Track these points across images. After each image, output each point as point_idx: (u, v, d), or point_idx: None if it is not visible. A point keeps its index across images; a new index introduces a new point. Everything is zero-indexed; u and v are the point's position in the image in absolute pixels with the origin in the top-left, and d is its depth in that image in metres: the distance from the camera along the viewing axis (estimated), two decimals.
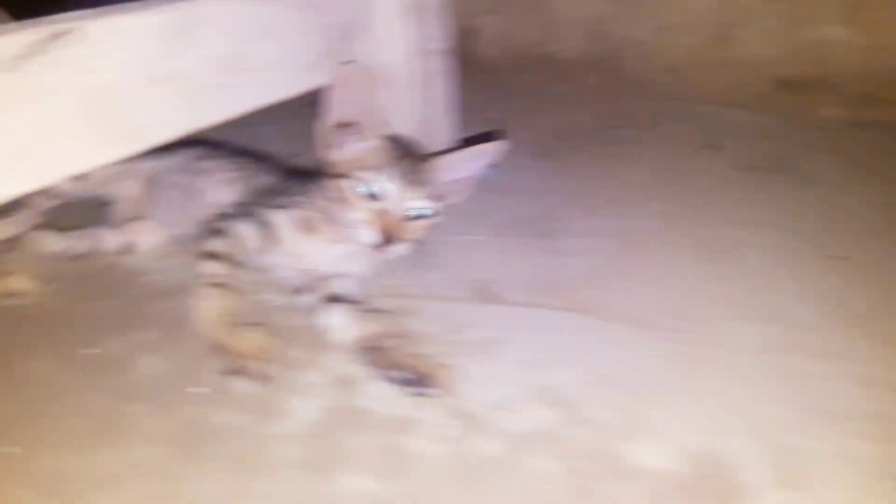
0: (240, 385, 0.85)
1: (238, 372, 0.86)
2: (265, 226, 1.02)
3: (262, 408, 0.84)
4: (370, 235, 0.97)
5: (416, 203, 0.99)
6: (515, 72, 2.04)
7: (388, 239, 0.97)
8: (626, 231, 1.24)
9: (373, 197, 0.98)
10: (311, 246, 1.03)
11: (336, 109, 0.98)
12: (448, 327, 0.98)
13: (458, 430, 0.81)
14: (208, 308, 0.91)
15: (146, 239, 1.15)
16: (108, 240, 1.13)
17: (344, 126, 0.99)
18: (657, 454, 0.78)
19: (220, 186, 1.12)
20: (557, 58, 2.03)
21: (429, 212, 1.01)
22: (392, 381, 0.87)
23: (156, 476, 0.75)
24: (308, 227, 1.02)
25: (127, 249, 1.13)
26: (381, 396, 0.86)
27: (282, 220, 1.02)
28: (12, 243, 1.09)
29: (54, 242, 1.10)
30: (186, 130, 0.81)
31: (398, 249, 0.98)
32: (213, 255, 0.96)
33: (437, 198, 1.02)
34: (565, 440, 0.80)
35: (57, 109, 0.67)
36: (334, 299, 1.00)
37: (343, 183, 0.99)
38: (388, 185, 0.97)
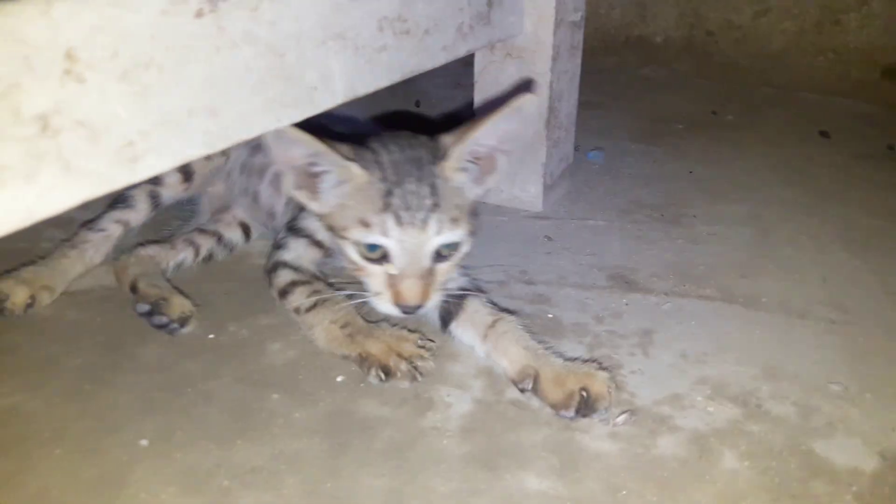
0: (398, 385, 0.79)
1: (391, 374, 0.79)
2: (310, 235, 0.91)
3: (410, 398, 0.78)
4: (387, 306, 0.79)
5: (436, 240, 0.77)
6: (606, 54, 1.96)
7: (414, 303, 0.77)
8: (758, 218, 1.17)
9: (379, 258, 0.78)
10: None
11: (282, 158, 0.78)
12: (593, 317, 0.91)
13: (631, 426, 0.75)
14: (322, 332, 0.83)
15: (236, 232, 1.07)
16: (205, 240, 1.03)
17: (305, 166, 0.78)
18: (851, 451, 0.71)
19: (271, 187, 1.02)
20: (649, 41, 1.95)
21: (457, 238, 0.79)
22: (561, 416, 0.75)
23: (308, 470, 0.68)
24: None
25: (228, 244, 1.06)
26: None
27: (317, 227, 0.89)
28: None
29: (169, 256, 0.99)
30: (348, 96, 0.74)
31: (431, 304, 0.79)
32: (288, 279, 0.87)
33: (462, 213, 0.79)
34: (749, 436, 0.73)
35: (239, 63, 0.60)
36: (448, 310, 0.85)
37: (340, 244, 0.81)
38: (388, 240, 0.77)
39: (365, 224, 0.76)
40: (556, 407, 0.75)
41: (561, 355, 0.80)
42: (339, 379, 0.80)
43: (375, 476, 0.68)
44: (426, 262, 0.77)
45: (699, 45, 1.91)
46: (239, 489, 0.66)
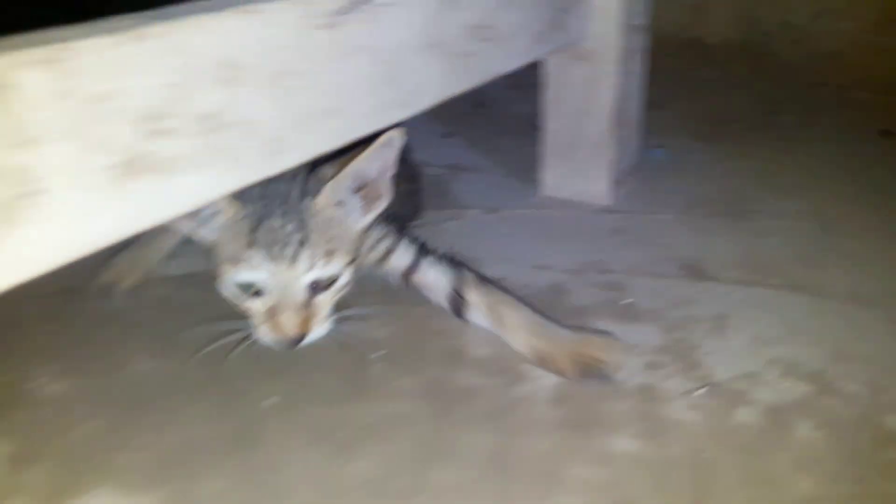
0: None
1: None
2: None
3: (500, 372, 0.85)
4: (271, 338, 0.80)
5: (308, 276, 0.79)
6: (662, 56, 2.00)
7: (295, 335, 0.79)
8: (821, 214, 1.21)
9: (253, 292, 0.80)
10: None
11: None
12: (668, 304, 0.97)
13: (709, 399, 0.81)
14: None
15: None
16: None
17: None
18: None
19: None
20: (704, 42, 2.00)
21: (334, 272, 0.81)
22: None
23: (417, 429, 0.77)
24: None
25: None
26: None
27: None
28: None
29: None
30: (439, 99, 0.82)
31: (315, 335, 0.81)
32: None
33: (341, 245, 0.82)
34: (822, 410, 0.79)
35: (357, 69, 0.69)
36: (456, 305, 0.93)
37: (217, 283, 0.82)
38: (258, 274, 0.78)
39: (235, 261, 0.78)
40: (563, 374, 0.83)
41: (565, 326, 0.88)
42: (433, 351, 0.88)
43: (478, 434, 0.76)
44: (301, 295, 0.79)
45: (755, 46, 1.95)
46: (358, 442, 0.75)
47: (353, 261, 0.84)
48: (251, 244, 0.77)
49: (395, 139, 0.80)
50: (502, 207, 1.24)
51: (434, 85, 0.80)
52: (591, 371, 0.82)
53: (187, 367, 0.86)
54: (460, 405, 0.80)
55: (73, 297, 0.99)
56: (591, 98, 1.16)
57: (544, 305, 0.94)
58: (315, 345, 0.88)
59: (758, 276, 1.03)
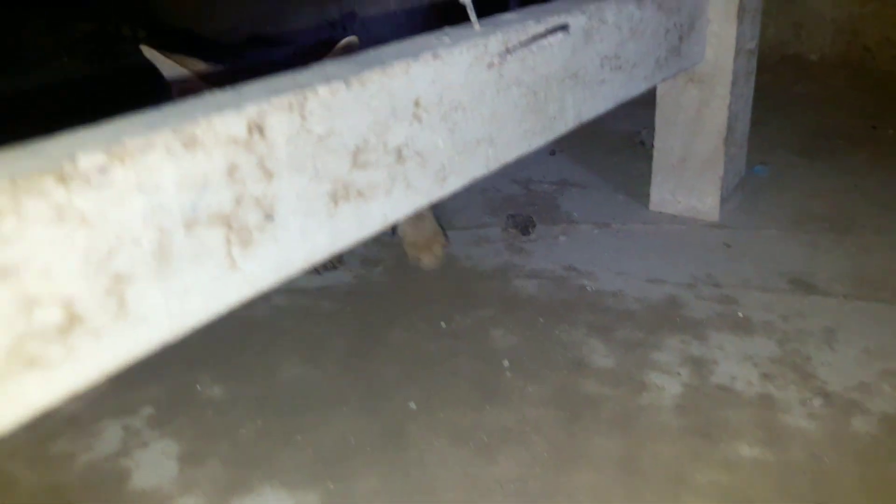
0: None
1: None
2: None
3: (625, 381, 0.91)
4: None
5: None
6: (761, 72, 2.01)
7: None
8: None
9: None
10: None
11: None
12: (779, 316, 1.01)
13: (825, 408, 0.85)
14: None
15: None
16: None
17: None
18: None
19: None
20: (804, 58, 2.01)
21: None
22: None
23: (550, 433, 0.83)
24: None
25: None
26: (737, 375, 0.91)
27: None
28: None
29: None
30: (575, 124, 0.89)
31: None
32: None
33: None
34: None
35: (510, 101, 0.76)
36: None
37: None
38: None
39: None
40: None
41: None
42: (558, 361, 0.95)
43: (607, 439, 0.82)
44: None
45: (855, 62, 1.95)
46: (496, 443, 0.82)
47: None
48: None
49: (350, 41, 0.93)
50: (612, 222, 1.29)
51: (571, 111, 0.87)
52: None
53: (333, 370, 0.94)
54: (588, 412, 0.86)
55: None
56: (703, 119, 1.21)
57: (660, 317, 1.00)
58: (449, 351, 0.96)
59: (866, 290, 1.06)
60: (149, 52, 0.94)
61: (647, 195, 1.34)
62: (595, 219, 1.31)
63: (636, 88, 1.00)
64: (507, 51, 0.72)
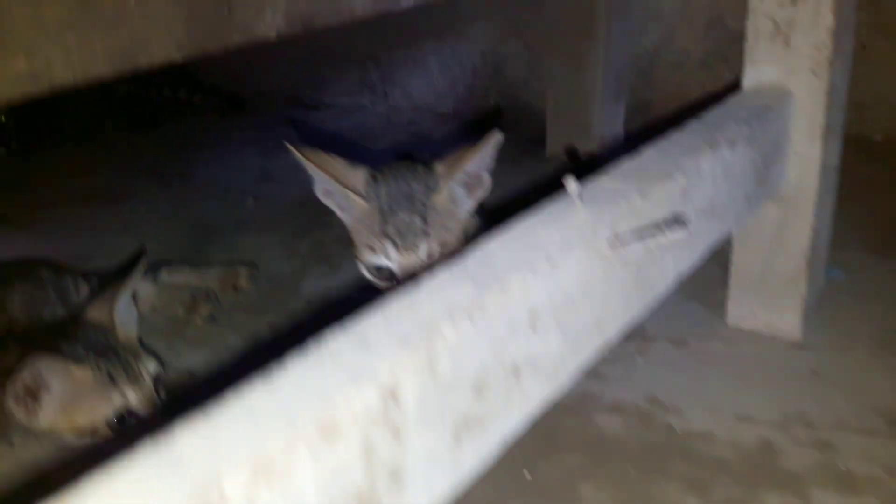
0: None
1: None
2: None
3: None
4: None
5: (426, 261, 0.98)
6: None
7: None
8: None
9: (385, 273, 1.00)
10: None
11: None
12: (884, 469, 0.95)
13: None
14: None
15: None
16: None
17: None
18: None
19: None
20: (868, 140, 1.96)
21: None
22: None
23: None
24: None
25: None
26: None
27: None
28: None
29: None
30: (672, 283, 0.85)
31: None
32: None
33: (455, 231, 1.00)
34: None
35: (617, 283, 0.73)
36: None
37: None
38: (388, 262, 0.98)
39: (371, 249, 0.99)
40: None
41: None
42: None
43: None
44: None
45: None
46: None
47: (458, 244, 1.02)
48: (383, 235, 0.97)
49: (498, 138, 0.97)
50: (689, 339, 1.25)
51: (672, 272, 0.84)
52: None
53: None
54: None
55: None
56: (785, 237, 1.17)
57: (756, 469, 0.95)
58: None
59: None
60: (294, 153, 1.00)
61: (721, 304, 1.29)
62: (670, 333, 1.27)
63: (727, 230, 0.97)
64: (618, 239, 0.69)
